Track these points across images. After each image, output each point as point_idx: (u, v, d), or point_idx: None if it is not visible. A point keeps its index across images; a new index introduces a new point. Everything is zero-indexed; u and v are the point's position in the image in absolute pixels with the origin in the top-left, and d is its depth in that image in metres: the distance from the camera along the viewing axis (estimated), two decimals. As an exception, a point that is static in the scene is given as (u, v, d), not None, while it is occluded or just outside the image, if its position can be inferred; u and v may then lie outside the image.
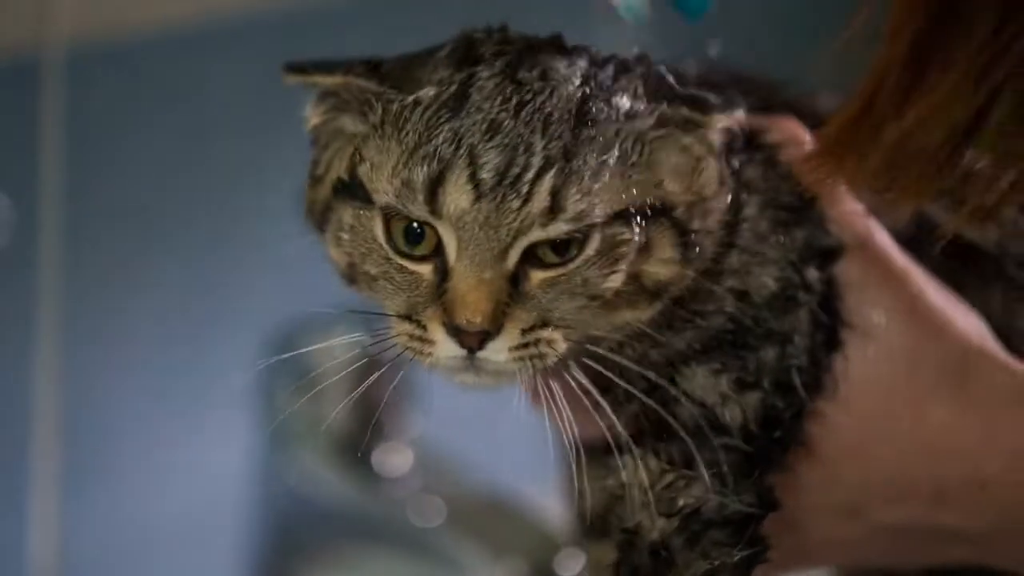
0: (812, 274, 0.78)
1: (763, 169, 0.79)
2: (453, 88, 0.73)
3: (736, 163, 0.78)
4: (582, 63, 0.75)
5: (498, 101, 0.73)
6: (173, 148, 1.28)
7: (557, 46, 0.76)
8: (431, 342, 0.73)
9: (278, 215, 1.36)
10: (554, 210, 0.71)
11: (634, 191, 0.73)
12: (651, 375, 0.77)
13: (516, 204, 0.71)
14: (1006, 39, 0.68)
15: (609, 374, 0.77)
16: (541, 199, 0.71)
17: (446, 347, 0.73)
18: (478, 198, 0.71)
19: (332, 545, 1.34)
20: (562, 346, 0.74)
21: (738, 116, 0.76)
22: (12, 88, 1.18)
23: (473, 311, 0.72)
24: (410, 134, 0.73)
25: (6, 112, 1.19)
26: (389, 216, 0.74)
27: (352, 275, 0.77)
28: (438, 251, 0.73)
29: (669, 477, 0.77)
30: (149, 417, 1.31)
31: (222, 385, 1.35)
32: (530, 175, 0.71)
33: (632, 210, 0.73)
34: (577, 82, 0.74)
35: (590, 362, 0.77)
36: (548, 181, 0.71)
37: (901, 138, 0.72)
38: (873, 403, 0.79)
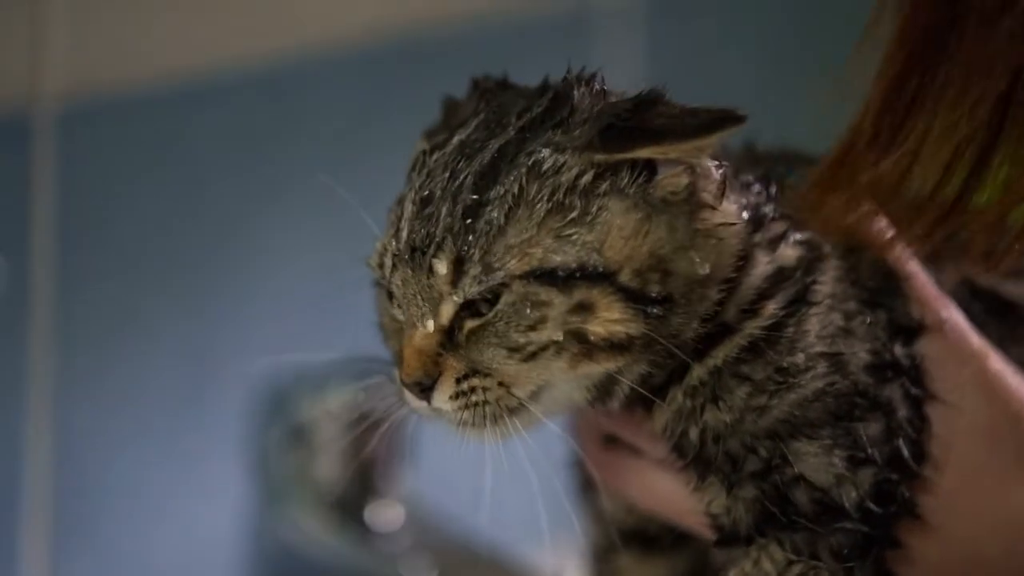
0: (899, 350, 0.78)
1: (843, 249, 0.79)
2: (416, 161, 0.78)
3: (799, 228, 0.78)
4: (522, 116, 0.76)
5: (438, 173, 0.75)
6: (165, 203, 1.28)
7: (527, 97, 0.77)
8: (403, 393, 0.78)
9: (271, 268, 1.37)
10: (458, 275, 0.73)
11: (567, 250, 0.73)
12: (761, 450, 0.77)
13: (422, 274, 0.74)
14: (973, 98, 0.69)
15: (705, 448, 0.77)
16: (441, 267, 0.74)
17: (410, 397, 0.77)
18: (395, 267, 0.75)
19: (324, 600, 1.33)
20: (498, 393, 0.75)
21: (707, 166, 0.75)
22: (3, 144, 1.18)
23: (407, 366, 0.76)
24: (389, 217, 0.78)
25: (-1, 168, 1.19)
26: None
27: (382, 333, 0.82)
28: None
29: (797, 568, 0.77)
30: (140, 471, 1.31)
31: (214, 439, 1.35)
32: (432, 246, 0.74)
33: (560, 272, 0.73)
34: (502, 140, 0.75)
35: (688, 436, 0.78)
36: (447, 250, 0.73)
37: (878, 182, 0.73)
38: (953, 479, 0.78)
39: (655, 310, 0.74)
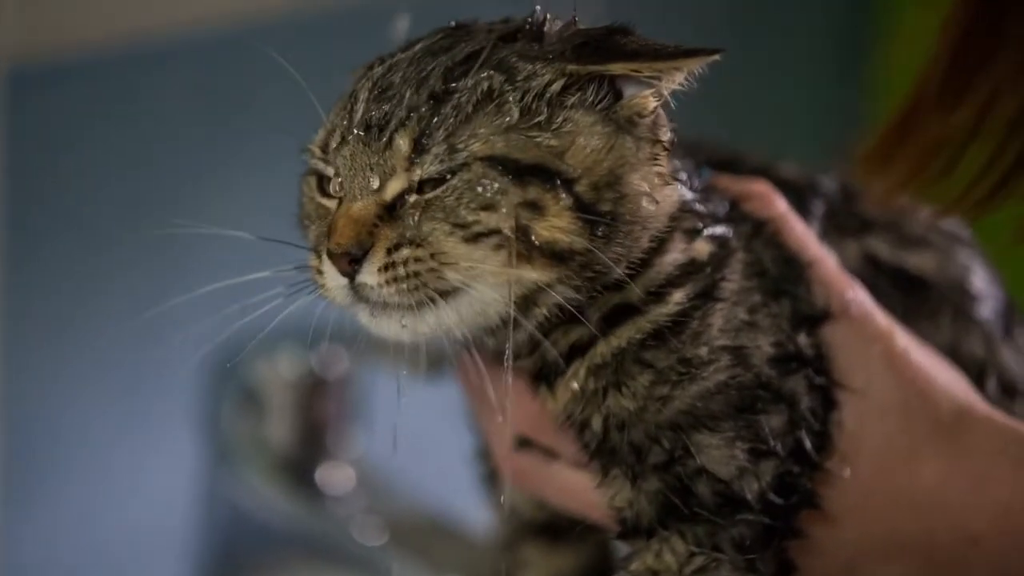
0: (803, 339, 0.80)
1: (747, 239, 0.81)
2: (371, 65, 0.79)
3: (714, 224, 0.79)
4: (494, 31, 0.78)
5: (400, 69, 0.77)
6: (117, 164, 1.28)
7: (503, 25, 0.79)
8: (322, 272, 0.77)
9: (222, 232, 1.36)
10: (418, 153, 0.75)
11: (531, 150, 0.75)
12: (664, 441, 0.77)
13: (378, 147, 0.75)
14: None
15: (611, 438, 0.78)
16: (403, 143, 0.75)
17: (331, 275, 0.77)
18: (343, 142, 0.76)
19: (275, 563, 1.34)
20: (429, 264, 0.75)
21: (664, 118, 0.77)
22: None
23: (339, 234, 0.76)
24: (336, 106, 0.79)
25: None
26: (316, 173, 0.79)
27: (302, 223, 0.82)
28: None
29: (698, 560, 0.78)
30: (93, 435, 1.31)
31: (166, 401, 1.35)
32: (393, 121, 0.75)
33: (521, 165, 0.74)
34: (475, 46, 0.77)
35: (589, 428, 0.79)
36: (410, 128, 0.75)
37: (943, 139, 0.74)
38: (867, 461, 0.79)
39: (600, 230, 0.75)
